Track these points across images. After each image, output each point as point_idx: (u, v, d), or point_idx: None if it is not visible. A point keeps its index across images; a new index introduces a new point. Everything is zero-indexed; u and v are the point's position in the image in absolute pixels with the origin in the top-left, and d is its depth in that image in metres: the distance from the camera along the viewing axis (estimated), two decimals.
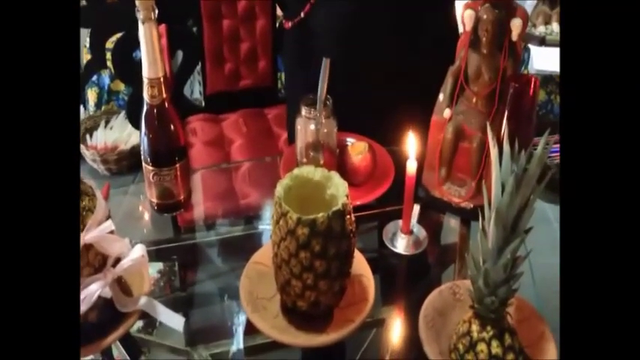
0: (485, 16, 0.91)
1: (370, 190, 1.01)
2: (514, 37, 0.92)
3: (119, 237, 0.71)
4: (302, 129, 1.00)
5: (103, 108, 2.46)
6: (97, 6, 1.48)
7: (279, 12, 1.80)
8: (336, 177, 0.75)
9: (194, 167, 1.49)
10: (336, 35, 1.17)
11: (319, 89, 0.95)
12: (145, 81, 0.85)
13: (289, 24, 1.23)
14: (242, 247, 1.06)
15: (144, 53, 0.83)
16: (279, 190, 0.73)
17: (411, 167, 0.89)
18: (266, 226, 1.08)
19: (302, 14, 1.18)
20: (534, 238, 0.68)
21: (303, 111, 0.97)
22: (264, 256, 0.84)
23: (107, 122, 2.38)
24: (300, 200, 0.75)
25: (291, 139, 1.06)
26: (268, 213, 1.11)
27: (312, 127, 0.97)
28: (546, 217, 1.03)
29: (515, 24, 0.91)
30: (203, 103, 1.84)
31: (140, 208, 1.08)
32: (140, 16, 0.80)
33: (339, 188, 0.74)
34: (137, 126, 1.47)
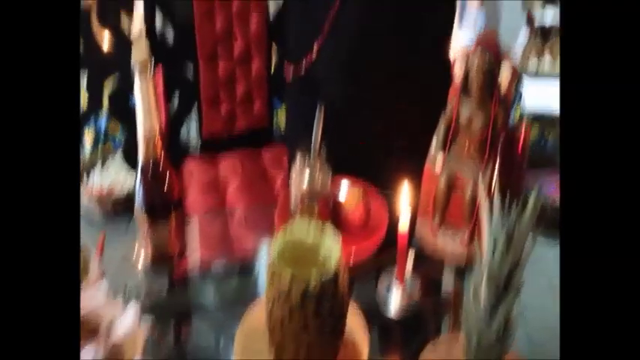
0: (475, 65, 0.92)
1: (365, 239, 1.01)
2: (503, 89, 0.93)
3: (112, 300, 0.70)
4: (297, 177, 1.00)
5: (99, 147, 2.47)
6: (93, 55, 1.50)
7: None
8: (329, 239, 0.75)
9: (189, 213, 1.49)
10: (337, 78, 1.19)
11: (313, 137, 0.95)
12: (140, 137, 0.86)
13: (290, 75, 1.24)
14: (238, 295, 1.05)
15: (139, 109, 0.84)
16: (273, 254, 0.73)
17: (403, 224, 0.89)
18: (262, 270, 1.08)
19: (302, 71, 1.19)
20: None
21: (298, 160, 0.98)
22: (258, 314, 0.83)
23: (104, 162, 2.39)
24: (294, 259, 0.74)
25: None
26: (264, 258, 1.11)
27: (307, 175, 0.98)
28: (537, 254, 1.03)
29: (505, 76, 0.92)
30: (199, 144, 1.85)
31: (134, 254, 1.08)
32: (136, 71, 0.81)
33: (332, 251, 0.74)
34: (134, 165, 1.47)
